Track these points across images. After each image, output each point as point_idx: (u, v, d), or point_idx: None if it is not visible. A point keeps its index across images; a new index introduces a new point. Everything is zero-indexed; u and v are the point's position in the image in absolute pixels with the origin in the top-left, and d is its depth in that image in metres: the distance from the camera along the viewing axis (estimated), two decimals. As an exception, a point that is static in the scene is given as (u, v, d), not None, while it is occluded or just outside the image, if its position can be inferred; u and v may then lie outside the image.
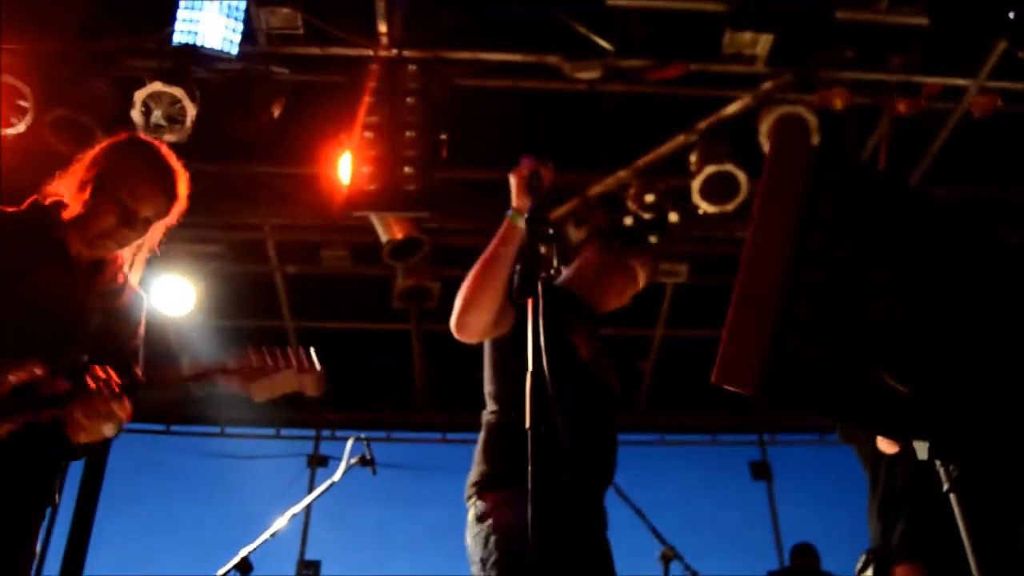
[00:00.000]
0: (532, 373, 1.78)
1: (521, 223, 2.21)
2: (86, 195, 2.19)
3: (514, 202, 2.28)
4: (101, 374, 1.98)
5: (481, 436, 2.43)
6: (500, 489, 2.27)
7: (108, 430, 1.99)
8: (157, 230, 2.36)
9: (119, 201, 2.20)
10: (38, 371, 1.95)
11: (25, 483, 2.08)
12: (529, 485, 1.66)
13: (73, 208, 2.20)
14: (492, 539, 2.19)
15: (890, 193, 1.71)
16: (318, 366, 2.34)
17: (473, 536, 2.25)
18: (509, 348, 2.41)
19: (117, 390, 1.97)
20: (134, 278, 2.43)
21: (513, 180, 2.29)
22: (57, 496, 2.24)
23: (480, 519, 2.26)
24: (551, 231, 1.99)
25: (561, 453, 2.09)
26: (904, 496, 3.02)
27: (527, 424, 1.73)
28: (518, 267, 2.05)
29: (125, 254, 2.35)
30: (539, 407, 1.74)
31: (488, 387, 2.48)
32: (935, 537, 2.91)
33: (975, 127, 5.17)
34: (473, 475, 2.35)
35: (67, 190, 2.25)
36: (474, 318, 2.30)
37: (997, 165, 5.78)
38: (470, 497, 2.33)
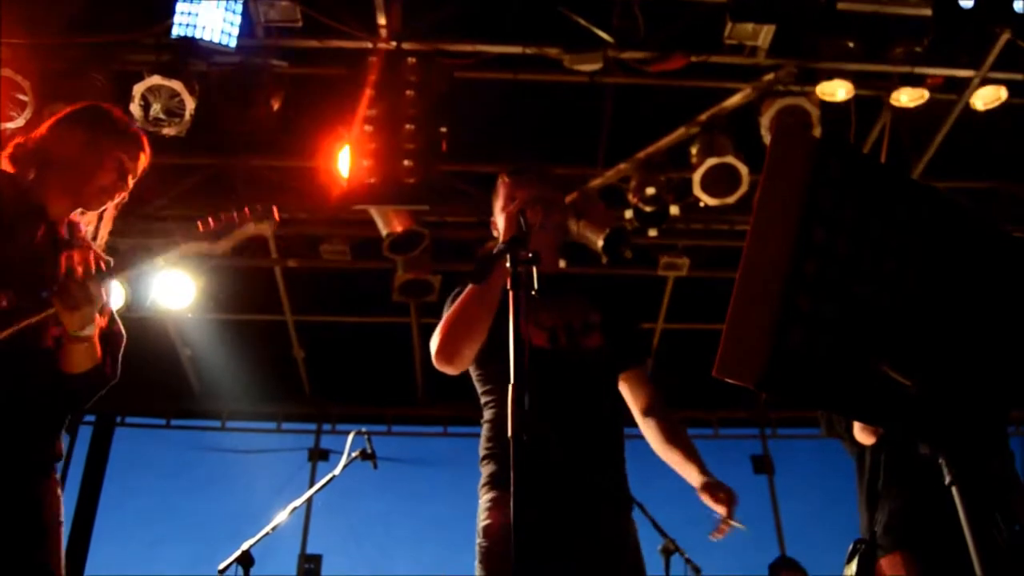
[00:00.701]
0: (511, 386, 1.76)
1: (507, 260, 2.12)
2: (78, 156, 2.34)
3: (502, 237, 2.27)
4: (75, 259, 2.10)
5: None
6: (492, 490, 2.30)
7: (89, 314, 2.08)
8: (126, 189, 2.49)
9: (118, 160, 2.39)
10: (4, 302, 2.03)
11: (27, 443, 2.13)
12: (511, 497, 1.66)
13: (56, 171, 2.32)
14: (478, 544, 2.24)
15: (892, 186, 1.70)
16: (275, 214, 2.48)
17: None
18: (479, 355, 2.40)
19: (90, 272, 2.08)
20: (104, 234, 2.58)
21: (503, 219, 2.29)
22: (62, 449, 2.29)
23: (479, 519, 2.29)
24: (530, 254, 1.96)
25: (540, 455, 2.07)
26: (887, 486, 3.04)
27: (509, 433, 1.72)
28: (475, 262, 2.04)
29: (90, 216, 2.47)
30: (517, 416, 1.72)
31: (472, 369, 2.50)
32: (918, 526, 2.92)
33: (978, 119, 5.15)
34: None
35: (42, 155, 2.36)
36: (467, 352, 2.31)
37: (1000, 158, 5.76)
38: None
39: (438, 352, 2.31)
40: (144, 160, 2.49)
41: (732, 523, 2.35)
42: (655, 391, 2.63)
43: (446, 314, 2.37)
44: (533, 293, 1.89)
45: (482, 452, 2.40)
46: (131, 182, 2.46)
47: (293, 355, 7.33)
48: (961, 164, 5.73)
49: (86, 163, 2.35)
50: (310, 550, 7.03)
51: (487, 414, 2.46)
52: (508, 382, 1.75)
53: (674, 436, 2.56)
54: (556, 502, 2.19)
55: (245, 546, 3.92)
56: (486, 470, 2.36)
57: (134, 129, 2.51)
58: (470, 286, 2.29)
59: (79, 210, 2.41)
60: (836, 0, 4.31)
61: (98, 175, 2.37)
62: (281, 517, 4.07)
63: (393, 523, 7.38)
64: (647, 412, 2.60)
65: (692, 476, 2.47)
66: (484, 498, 2.31)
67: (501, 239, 2.29)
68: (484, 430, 2.44)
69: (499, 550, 2.17)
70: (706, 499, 2.40)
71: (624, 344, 2.57)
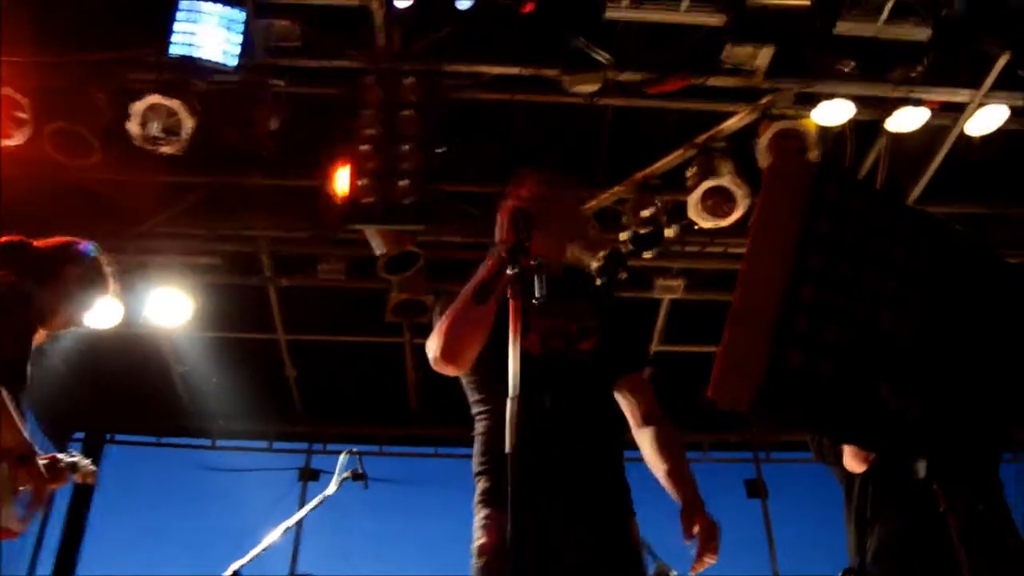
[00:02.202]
0: (511, 399, 1.75)
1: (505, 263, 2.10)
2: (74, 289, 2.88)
3: (498, 236, 2.24)
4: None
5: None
6: (486, 507, 2.26)
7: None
8: None
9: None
10: None
11: None
12: (509, 506, 1.64)
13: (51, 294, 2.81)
14: (472, 565, 2.19)
15: (889, 209, 1.70)
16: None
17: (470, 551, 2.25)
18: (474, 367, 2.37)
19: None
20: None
21: (503, 218, 2.23)
22: None
23: (473, 537, 2.24)
24: (533, 261, 1.94)
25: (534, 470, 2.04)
26: (876, 513, 3.02)
27: (507, 449, 1.70)
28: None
29: None
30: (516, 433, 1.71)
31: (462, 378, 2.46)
32: (909, 554, 2.90)
33: (974, 143, 5.17)
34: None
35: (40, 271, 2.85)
36: (469, 353, 2.25)
37: (997, 181, 5.78)
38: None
39: (442, 353, 2.25)
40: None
41: (706, 560, 2.24)
42: (654, 399, 2.55)
43: (444, 315, 2.30)
44: (535, 301, 1.88)
45: (475, 467, 2.34)
46: None
47: (285, 374, 7.29)
48: (957, 188, 5.74)
49: (71, 301, 2.82)
50: (300, 570, 6.97)
51: (479, 426, 2.40)
52: (500, 390, 1.73)
53: (666, 445, 2.47)
54: (551, 516, 2.12)
55: (235, 566, 3.88)
56: (480, 486, 2.29)
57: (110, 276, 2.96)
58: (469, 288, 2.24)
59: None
60: (834, 23, 4.34)
61: (71, 315, 2.83)
62: (272, 537, 4.03)
63: (384, 543, 7.34)
64: (644, 420, 2.52)
65: (677, 495, 2.38)
66: (478, 516, 2.25)
67: (498, 238, 2.25)
68: (477, 444, 2.38)
69: (495, 569, 2.13)
70: (682, 526, 2.29)
71: (622, 350, 2.51)
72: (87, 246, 3.03)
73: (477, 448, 2.38)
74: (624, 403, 2.54)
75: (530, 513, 1.80)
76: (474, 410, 2.43)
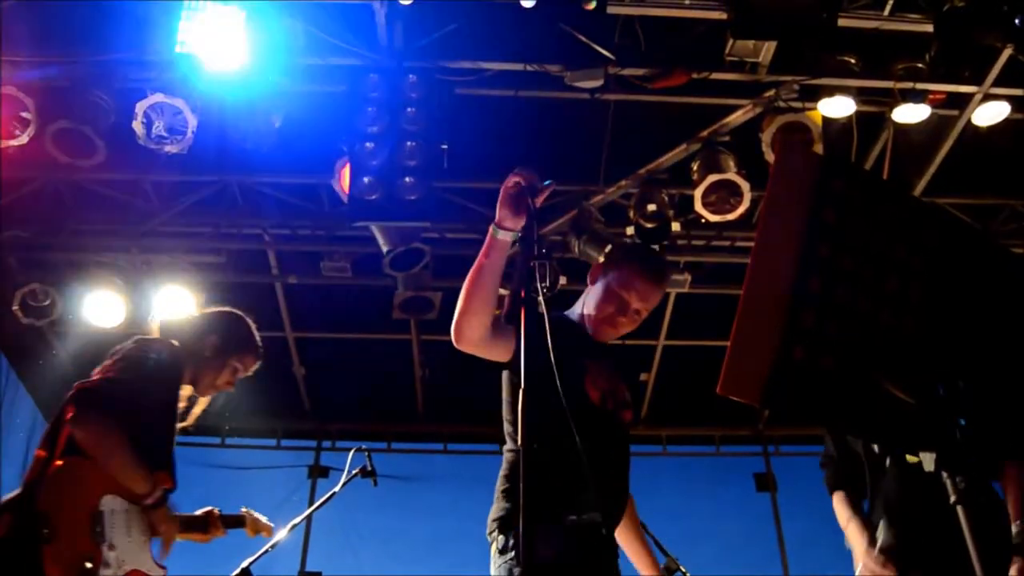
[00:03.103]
0: (523, 391, 1.76)
1: (502, 235, 2.26)
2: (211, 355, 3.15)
3: (496, 215, 2.29)
4: None
5: (501, 472, 2.49)
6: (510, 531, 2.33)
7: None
8: None
9: (234, 368, 3.18)
10: None
11: None
12: (520, 501, 1.65)
13: (191, 361, 3.10)
14: (516, 572, 2.23)
15: (895, 202, 1.69)
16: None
17: (496, 568, 2.31)
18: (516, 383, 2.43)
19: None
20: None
21: (502, 196, 2.28)
22: None
23: (503, 551, 2.30)
24: (543, 250, 1.98)
25: (576, 489, 2.20)
26: (887, 510, 3.00)
27: (519, 442, 1.72)
28: (508, 291, 2.07)
29: None
30: (537, 429, 1.72)
31: (506, 424, 2.54)
32: (918, 548, 2.90)
33: (980, 135, 5.15)
34: (493, 512, 2.41)
35: (194, 348, 3.13)
36: (466, 325, 2.34)
37: (1002, 173, 5.76)
38: (491, 532, 2.38)
39: (453, 330, 2.37)
40: (256, 366, 3.25)
41: None
42: None
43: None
44: (540, 295, 1.90)
45: (506, 486, 2.43)
46: (234, 383, 3.19)
47: (293, 372, 7.30)
48: (963, 180, 5.73)
49: (213, 366, 3.11)
50: (310, 567, 6.98)
51: (511, 447, 2.51)
52: (537, 437, 1.74)
53: (637, 524, 2.84)
54: (583, 540, 2.29)
55: (245, 563, 3.88)
56: (509, 505, 2.37)
57: (257, 343, 3.24)
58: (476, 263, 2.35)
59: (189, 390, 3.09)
60: (837, 16, 4.32)
61: (216, 376, 3.13)
62: (281, 534, 4.04)
63: (393, 540, 7.33)
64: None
65: (644, 567, 2.80)
66: (511, 533, 2.31)
67: (496, 214, 2.31)
68: (509, 464, 2.48)
69: None
70: None
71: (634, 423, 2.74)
72: (231, 315, 3.32)
73: (503, 472, 2.48)
74: None
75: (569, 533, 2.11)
76: (508, 443, 2.54)
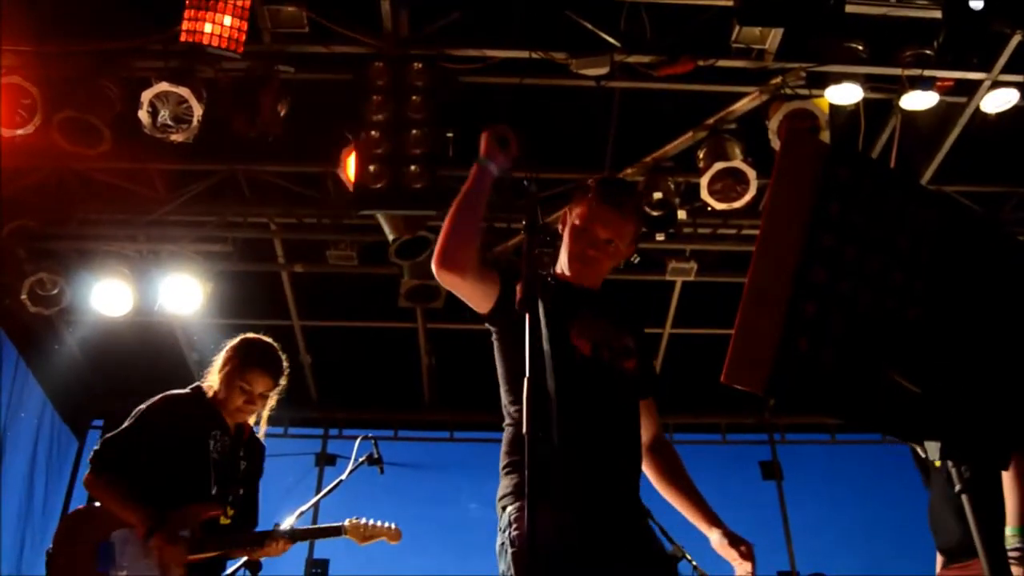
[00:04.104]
0: (528, 379, 1.77)
1: (489, 167, 2.37)
2: (222, 384, 3.41)
3: (482, 152, 2.41)
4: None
5: (501, 447, 2.45)
6: (521, 499, 2.25)
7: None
8: (271, 398, 3.49)
9: (240, 388, 3.40)
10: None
11: None
12: (526, 490, 1.66)
13: (218, 393, 3.42)
14: (508, 552, 2.20)
15: (903, 192, 1.68)
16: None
17: (498, 545, 2.28)
18: (510, 356, 2.45)
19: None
20: (260, 433, 3.60)
21: (483, 138, 2.42)
22: None
23: (503, 529, 2.27)
24: (548, 237, 2.00)
25: (571, 462, 2.10)
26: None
27: (524, 430, 1.73)
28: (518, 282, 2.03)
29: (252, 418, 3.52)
30: (539, 414, 1.72)
31: (502, 399, 2.50)
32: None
33: (989, 122, 5.12)
34: (500, 487, 2.38)
35: (213, 382, 3.46)
36: (456, 251, 2.30)
37: (1010, 161, 5.73)
38: (498, 508, 2.36)
39: (439, 258, 2.31)
40: (273, 384, 3.47)
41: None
42: (660, 425, 2.71)
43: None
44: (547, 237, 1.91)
45: (504, 461, 2.38)
46: (258, 401, 3.43)
47: (300, 360, 7.32)
48: (972, 167, 5.70)
49: (225, 389, 3.39)
50: (317, 555, 7.02)
51: (508, 421, 2.46)
52: (540, 392, 1.75)
53: (678, 474, 2.63)
54: (588, 508, 2.21)
55: (252, 552, 3.91)
56: (511, 480, 2.32)
57: (264, 361, 3.46)
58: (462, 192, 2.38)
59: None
60: (844, 3, 4.29)
61: (231, 398, 3.39)
62: (288, 522, 4.06)
63: (400, 527, 7.37)
64: (654, 445, 2.66)
65: (702, 524, 2.52)
66: (512, 507, 2.26)
67: (481, 152, 2.41)
68: (507, 438, 2.43)
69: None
70: (728, 554, 2.42)
71: (646, 373, 2.63)
72: (242, 340, 3.56)
73: (503, 448, 2.42)
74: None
75: (569, 505, 2.02)
76: (505, 418, 2.48)
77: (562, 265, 2.60)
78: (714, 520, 2.50)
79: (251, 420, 3.55)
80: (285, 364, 3.58)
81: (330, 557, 7.04)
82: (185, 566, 3.13)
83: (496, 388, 2.52)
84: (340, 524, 3.54)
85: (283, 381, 3.55)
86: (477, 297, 2.40)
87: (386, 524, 3.70)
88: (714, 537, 2.47)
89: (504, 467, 2.37)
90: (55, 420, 6.96)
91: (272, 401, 3.54)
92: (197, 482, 3.26)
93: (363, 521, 3.60)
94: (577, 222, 2.56)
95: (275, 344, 3.60)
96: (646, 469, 2.60)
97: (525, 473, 2.24)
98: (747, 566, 2.35)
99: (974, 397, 1.60)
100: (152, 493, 3.16)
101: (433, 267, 2.33)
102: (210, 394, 3.44)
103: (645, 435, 2.58)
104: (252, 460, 3.54)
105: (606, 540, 2.22)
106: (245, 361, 3.43)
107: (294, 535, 3.33)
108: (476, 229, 2.35)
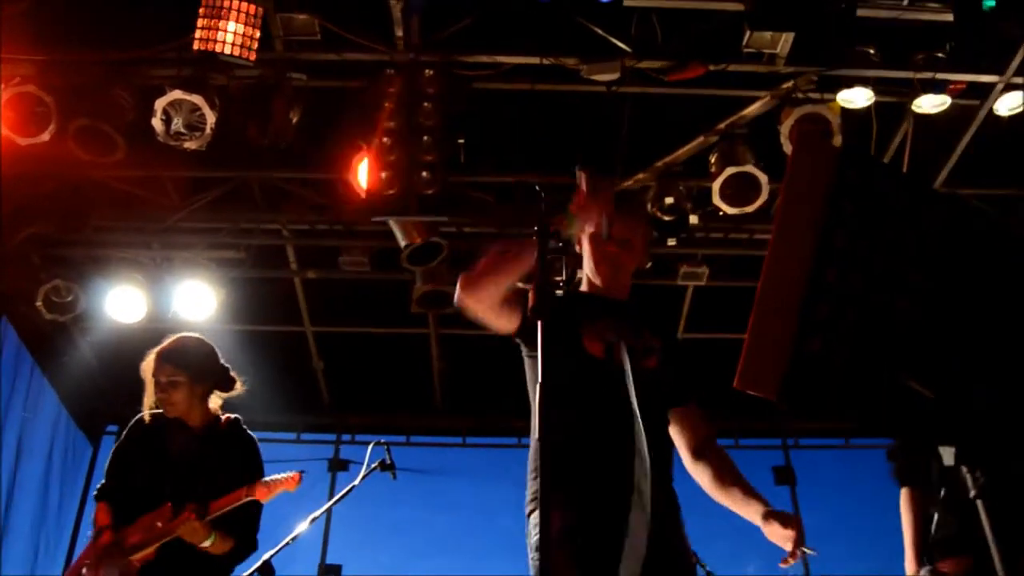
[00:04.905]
0: (541, 384, 1.78)
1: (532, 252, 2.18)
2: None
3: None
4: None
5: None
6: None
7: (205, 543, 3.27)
8: (182, 385, 3.46)
9: (153, 384, 3.46)
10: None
11: None
12: (540, 494, 1.66)
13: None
14: (531, 557, 2.22)
15: (914, 194, 1.68)
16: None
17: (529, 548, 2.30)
18: (531, 367, 2.48)
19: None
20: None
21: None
22: None
23: (528, 536, 2.29)
24: (560, 244, 2.00)
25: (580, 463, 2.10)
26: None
27: (537, 435, 1.74)
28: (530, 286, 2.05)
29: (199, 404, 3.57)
30: (552, 420, 1.73)
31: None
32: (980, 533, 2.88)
33: (1002, 125, 5.09)
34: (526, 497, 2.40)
35: None
36: (487, 290, 2.38)
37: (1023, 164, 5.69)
38: (527, 513, 2.38)
39: (468, 287, 2.38)
40: (171, 368, 3.44)
41: (805, 550, 2.30)
42: (710, 430, 2.62)
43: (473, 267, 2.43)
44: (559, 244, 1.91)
45: (529, 468, 2.39)
46: (168, 389, 3.43)
47: (312, 366, 7.34)
48: (985, 171, 5.66)
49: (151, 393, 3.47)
50: (330, 560, 7.03)
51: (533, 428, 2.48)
52: (559, 401, 1.76)
53: (733, 475, 2.52)
54: (592, 506, 2.20)
55: (265, 556, 3.92)
56: (532, 488, 2.35)
57: (159, 352, 3.48)
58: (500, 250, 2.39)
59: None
60: (855, 7, 4.28)
61: (156, 396, 3.45)
62: (301, 527, 4.08)
63: (412, 533, 7.37)
64: (700, 451, 2.58)
65: (754, 510, 2.42)
66: (533, 515, 2.28)
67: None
68: (532, 447, 2.42)
69: (556, 562, 2.14)
70: (773, 528, 2.33)
71: (682, 377, 2.60)
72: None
73: (531, 451, 2.42)
74: (678, 430, 2.60)
75: (575, 505, 2.00)
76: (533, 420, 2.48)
77: (589, 275, 2.64)
78: (762, 503, 2.41)
79: (209, 412, 3.60)
80: (196, 350, 3.57)
81: (343, 563, 7.05)
82: (140, 570, 3.24)
83: (506, 394, 2.54)
84: (240, 489, 3.46)
85: (190, 362, 3.51)
86: (501, 323, 2.46)
87: (286, 474, 3.68)
88: (760, 516, 2.38)
89: (529, 475, 2.39)
90: (70, 426, 7.01)
91: (188, 387, 3.50)
92: (150, 489, 3.36)
93: (264, 479, 3.58)
94: (592, 230, 2.56)
95: (188, 336, 3.61)
96: (697, 478, 2.56)
97: (540, 492, 2.28)
98: (792, 539, 2.27)
99: (989, 401, 1.59)
100: (124, 512, 3.34)
101: (457, 293, 2.40)
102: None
103: (690, 441, 2.56)
104: (223, 452, 3.55)
105: (611, 538, 2.15)
106: (154, 358, 3.49)
107: (200, 512, 3.27)
108: (509, 281, 2.38)
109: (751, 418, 7.62)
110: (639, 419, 2.31)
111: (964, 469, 1.66)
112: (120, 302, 5.95)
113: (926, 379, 1.52)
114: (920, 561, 3.06)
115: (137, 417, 3.56)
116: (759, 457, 7.60)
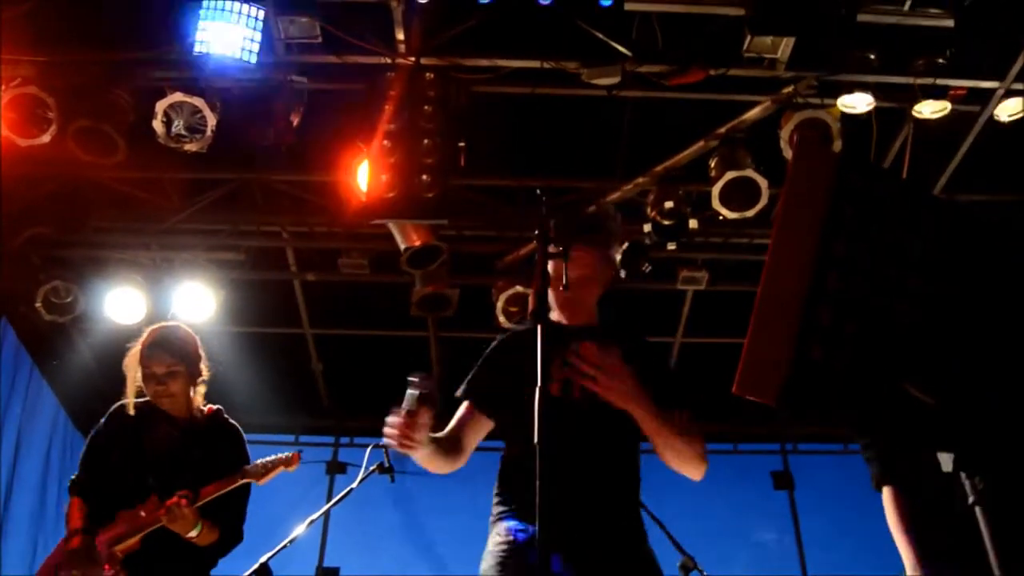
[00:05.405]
0: (539, 388, 1.86)
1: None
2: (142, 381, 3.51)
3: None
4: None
5: None
6: (504, 521, 2.43)
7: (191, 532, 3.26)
8: (181, 376, 3.45)
9: (144, 376, 3.46)
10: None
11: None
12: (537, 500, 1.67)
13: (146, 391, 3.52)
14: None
15: (914, 199, 1.68)
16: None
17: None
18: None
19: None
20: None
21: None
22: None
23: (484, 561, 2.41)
24: (560, 248, 1.99)
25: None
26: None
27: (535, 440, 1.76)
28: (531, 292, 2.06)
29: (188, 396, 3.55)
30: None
31: None
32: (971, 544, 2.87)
33: (1002, 131, 5.09)
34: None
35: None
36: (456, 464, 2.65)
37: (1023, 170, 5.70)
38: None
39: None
40: (170, 359, 3.45)
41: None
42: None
43: None
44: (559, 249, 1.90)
45: (496, 490, 2.53)
46: (167, 380, 3.43)
47: (311, 368, 7.34)
48: (984, 176, 5.67)
49: (143, 383, 3.47)
50: (327, 563, 7.02)
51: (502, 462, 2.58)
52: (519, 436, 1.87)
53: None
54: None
55: (263, 559, 3.91)
56: (498, 509, 2.46)
57: (153, 344, 3.47)
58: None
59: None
60: (856, 12, 4.29)
61: (148, 388, 3.45)
62: (299, 530, 4.07)
63: (410, 536, 7.36)
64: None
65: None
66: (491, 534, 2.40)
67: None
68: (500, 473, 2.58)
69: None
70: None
71: (659, 392, 2.50)
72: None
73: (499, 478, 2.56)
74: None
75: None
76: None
77: (552, 307, 2.64)
78: None
79: (194, 403, 3.58)
80: (188, 340, 3.57)
81: (340, 565, 7.04)
82: (122, 562, 3.24)
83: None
84: (235, 473, 3.49)
85: (187, 351, 3.52)
86: (480, 435, 2.77)
87: (282, 454, 3.72)
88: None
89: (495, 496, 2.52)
90: (68, 427, 7.00)
91: (186, 376, 3.52)
92: (132, 482, 3.34)
93: (259, 462, 3.62)
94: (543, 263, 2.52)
95: (174, 326, 3.62)
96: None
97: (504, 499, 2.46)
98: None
99: (989, 406, 1.59)
100: (102, 508, 3.32)
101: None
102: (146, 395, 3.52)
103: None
104: (209, 443, 3.53)
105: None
106: (142, 351, 3.48)
107: (190, 498, 3.27)
108: (426, 449, 2.57)
109: (749, 423, 7.63)
110: (595, 455, 2.39)
111: (963, 476, 1.65)
112: (119, 303, 5.95)
113: (926, 384, 1.52)
114: (924, 561, 3.03)
115: (117, 405, 3.52)
116: (758, 462, 7.60)
